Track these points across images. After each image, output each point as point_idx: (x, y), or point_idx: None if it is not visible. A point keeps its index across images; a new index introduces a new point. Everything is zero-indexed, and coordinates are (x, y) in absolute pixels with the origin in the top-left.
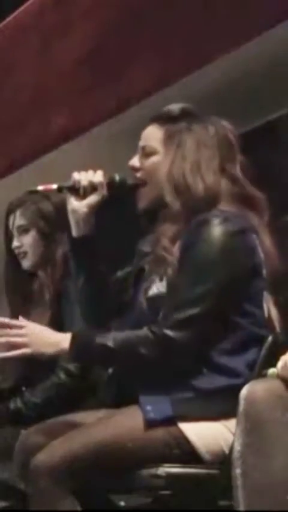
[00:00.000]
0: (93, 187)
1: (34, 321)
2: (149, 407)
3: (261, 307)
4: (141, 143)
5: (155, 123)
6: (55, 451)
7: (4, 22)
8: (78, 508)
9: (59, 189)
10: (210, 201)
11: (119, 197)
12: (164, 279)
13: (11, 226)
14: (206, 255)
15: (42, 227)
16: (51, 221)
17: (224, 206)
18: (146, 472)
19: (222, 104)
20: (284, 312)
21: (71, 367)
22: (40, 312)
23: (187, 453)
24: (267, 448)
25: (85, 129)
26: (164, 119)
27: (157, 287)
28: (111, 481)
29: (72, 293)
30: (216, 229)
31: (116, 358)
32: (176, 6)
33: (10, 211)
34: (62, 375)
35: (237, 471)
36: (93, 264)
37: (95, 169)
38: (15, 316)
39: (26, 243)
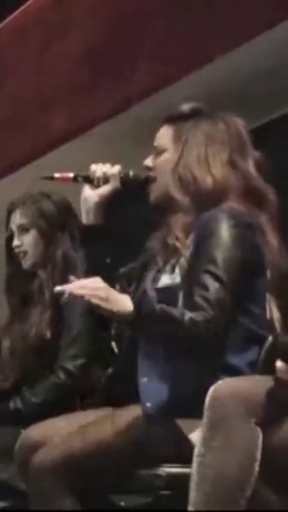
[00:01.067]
0: (106, 179)
1: (34, 320)
2: (148, 404)
3: (263, 307)
4: (155, 143)
5: (167, 122)
6: (55, 451)
7: (4, 22)
8: (78, 508)
9: (75, 178)
10: (219, 194)
11: (132, 194)
12: (176, 270)
13: (11, 226)
14: (216, 250)
15: (42, 226)
16: (52, 220)
17: (233, 202)
18: (145, 472)
19: (222, 104)
20: (285, 314)
21: (71, 367)
22: (40, 311)
23: (186, 451)
24: (224, 447)
25: (85, 129)
26: (175, 118)
27: (167, 278)
28: (111, 481)
29: None
30: (224, 225)
31: (177, 328)
32: (176, 6)
33: (11, 210)
34: (62, 375)
35: (194, 468)
36: (99, 254)
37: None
38: (14, 315)
39: (26, 242)
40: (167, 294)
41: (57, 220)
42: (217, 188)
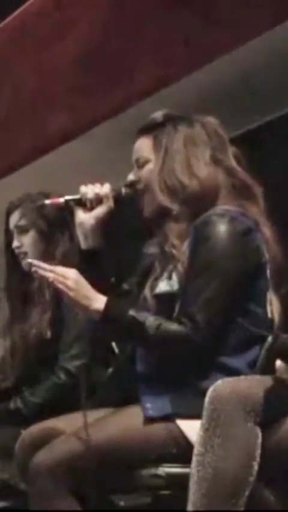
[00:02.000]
0: (99, 200)
1: (34, 320)
2: (148, 405)
3: (263, 307)
4: (134, 157)
5: (143, 134)
6: (55, 450)
7: (4, 22)
8: (78, 508)
9: (66, 203)
10: (209, 194)
11: (124, 209)
12: (174, 276)
13: (11, 226)
14: (211, 258)
15: (41, 227)
16: (51, 221)
17: (225, 202)
18: (145, 472)
19: (222, 104)
20: (285, 305)
21: (71, 367)
22: (40, 312)
23: (186, 452)
24: (222, 447)
25: (85, 129)
26: (150, 128)
27: (165, 285)
28: (111, 481)
29: None
30: (222, 230)
31: (145, 338)
32: (176, 6)
33: (10, 211)
34: (62, 375)
35: (193, 468)
36: (101, 276)
37: (95, 169)
38: (15, 316)
39: (25, 243)
40: (164, 301)
41: (56, 220)
42: (206, 189)
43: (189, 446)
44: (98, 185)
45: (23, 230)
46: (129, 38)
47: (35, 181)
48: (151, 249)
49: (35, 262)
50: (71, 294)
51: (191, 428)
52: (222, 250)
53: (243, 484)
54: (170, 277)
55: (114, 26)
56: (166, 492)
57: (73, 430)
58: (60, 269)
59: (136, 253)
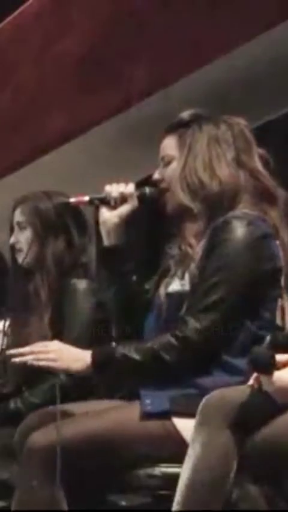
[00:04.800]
0: (123, 199)
1: (34, 324)
2: (148, 401)
3: (273, 313)
4: (160, 155)
5: (169, 133)
6: (48, 434)
7: (4, 22)
8: (62, 497)
9: (91, 201)
10: (230, 195)
11: (150, 209)
12: (186, 276)
13: (13, 223)
14: (228, 258)
15: (37, 226)
16: (47, 221)
17: (246, 205)
18: (142, 471)
19: (222, 104)
20: None
21: None
22: (40, 315)
23: (181, 450)
24: (203, 455)
25: (85, 129)
26: (176, 127)
27: (177, 284)
28: (105, 478)
29: (77, 293)
30: (239, 233)
31: (141, 369)
32: (176, 6)
33: (14, 207)
34: (62, 376)
35: (183, 468)
36: (124, 274)
37: (94, 169)
38: (15, 318)
39: (22, 240)
40: (175, 300)
41: (52, 222)
42: (225, 189)
43: (184, 445)
44: (122, 184)
45: (21, 227)
46: (129, 37)
47: (35, 181)
48: (172, 249)
49: (12, 352)
50: (57, 365)
51: (187, 427)
52: (236, 255)
53: (217, 490)
54: (182, 277)
55: (114, 26)
56: (166, 492)
57: (73, 417)
58: (39, 346)
59: (160, 253)
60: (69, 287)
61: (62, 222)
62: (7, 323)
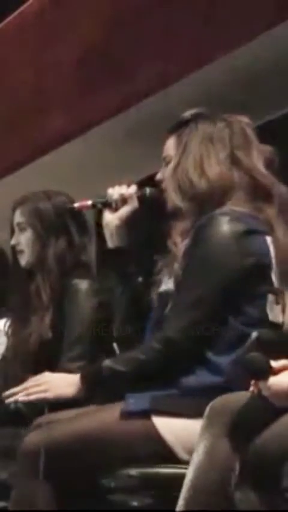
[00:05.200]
0: (124, 200)
1: (35, 325)
2: (131, 400)
3: (260, 311)
4: (163, 155)
5: (170, 133)
6: (36, 436)
7: (4, 22)
8: (51, 497)
9: (94, 205)
10: (219, 194)
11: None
12: (172, 275)
13: (13, 224)
14: (207, 257)
15: (37, 227)
16: (47, 222)
17: (237, 202)
18: (120, 472)
19: (222, 104)
20: None
21: (72, 368)
22: (40, 316)
23: (162, 450)
24: (206, 459)
25: (85, 129)
26: (177, 127)
27: (166, 283)
28: (91, 477)
29: (79, 293)
30: (220, 229)
31: (128, 378)
32: (176, 7)
33: (13, 208)
34: None
35: (188, 471)
36: (129, 275)
37: (95, 169)
38: (16, 319)
39: (22, 241)
40: (164, 299)
41: (53, 222)
42: (214, 187)
43: (164, 444)
44: (123, 186)
45: (21, 228)
46: (129, 38)
47: (35, 181)
48: (166, 248)
49: (7, 394)
50: (49, 395)
51: (168, 427)
52: (216, 251)
53: (216, 501)
54: (170, 276)
55: (114, 26)
56: (166, 492)
57: (62, 419)
58: (30, 382)
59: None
60: (71, 287)
61: (62, 222)
62: (8, 323)
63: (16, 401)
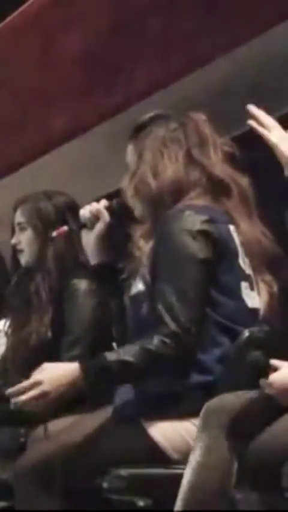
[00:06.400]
0: (96, 217)
1: (35, 324)
2: (119, 406)
3: (237, 298)
4: (127, 162)
5: (130, 139)
6: (35, 454)
7: (4, 22)
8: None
9: (70, 230)
10: (173, 192)
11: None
12: (138, 278)
13: (14, 224)
14: (175, 251)
15: (37, 226)
16: (48, 221)
17: (195, 197)
18: (108, 472)
19: (222, 104)
20: (282, 297)
21: None
22: (40, 315)
23: (153, 452)
24: (204, 460)
25: (85, 129)
26: (134, 133)
27: (136, 285)
28: (90, 481)
29: (78, 293)
30: (181, 223)
31: (136, 370)
32: (176, 6)
33: (14, 208)
34: None
35: (185, 472)
36: (119, 286)
37: (95, 169)
38: (15, 319)
39: (23, 241)
40: (137, 301)
41: (53, 222)
42: (168, 187)
43: (156, 446)
44: (93, 203)
45: (22, 228)
46: (129, 38)
47: (35, 181)
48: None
49: (9, 392)
50: (52, 396)
51: (157, 429)
52: (183, 244)
53: (215, 500)
54: (137, 279)
55: (114, 26)
56: (166, 492)
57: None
58: (29, 382)
59: None
60: (70, 287)
61: (63, 222)
62: (7, 323)
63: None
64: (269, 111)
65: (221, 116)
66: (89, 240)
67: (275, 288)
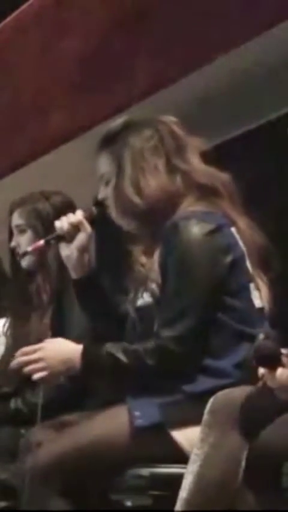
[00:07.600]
0: (76, 228)
1: (35, 325)
2: (137, 413)
3: (247, 300)
4: (98, 174)
5: (102, 149)
6: (45, 453)
7: (4, 22)
8: (70, 508)
9: (47, 242)
10: (164, 205)
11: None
12: (148, 290)
13: (11, 226)
14: (185, 262)
15: (37, 228)
16: (47, 222)
17: (191, 203)
18: (129, 472)
19: (222, 104)
20: (279, 289)
21: None
22: (40, 316)
23: (177, 456)
24: (210, 456)
25: (85, 129)
26: (106, 142)
27: (143, 297)
28: (102, 482)
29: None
30: (189, 234)
31: (125, 370)
32: (175, 6)
33: (11, 210)
34: (62, 377)
35: (186, 473)
36: (99, 301)
37: (94, 169)
38: (16, 319)
39: (22, 243)
40: (145, 313)
41: (52, 222)
42: (157, 201)
43: (180, 451)
44: (70, 214)
45: (21, 230)
46: (129, 38)
47: (35, 181)
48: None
49: (15, 363)
50: (45, 374)
51: (181, 433)
52: (191, 257)
53: (225, 494)
54: (145, 291)
55: (114, 26)
56: (166, 493)
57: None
58: (32, 347)
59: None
60: (70, 288)
61: None
62: (7, 324)
63: (16, 395)
64: (270, 112)
65: (220, 116)
66: (69, 254)
67: (270, 284)
